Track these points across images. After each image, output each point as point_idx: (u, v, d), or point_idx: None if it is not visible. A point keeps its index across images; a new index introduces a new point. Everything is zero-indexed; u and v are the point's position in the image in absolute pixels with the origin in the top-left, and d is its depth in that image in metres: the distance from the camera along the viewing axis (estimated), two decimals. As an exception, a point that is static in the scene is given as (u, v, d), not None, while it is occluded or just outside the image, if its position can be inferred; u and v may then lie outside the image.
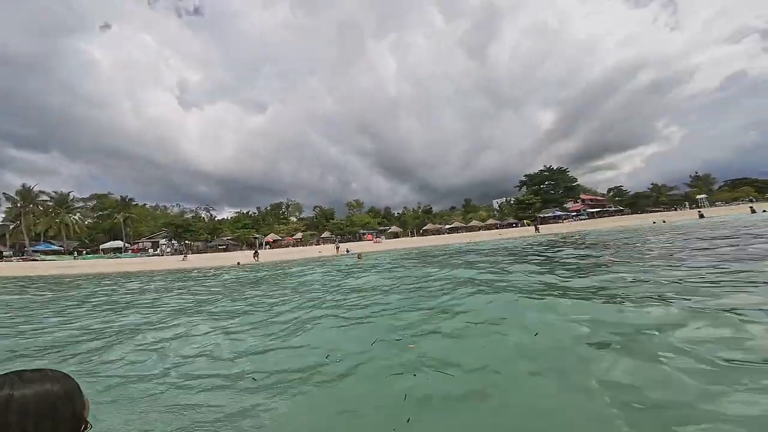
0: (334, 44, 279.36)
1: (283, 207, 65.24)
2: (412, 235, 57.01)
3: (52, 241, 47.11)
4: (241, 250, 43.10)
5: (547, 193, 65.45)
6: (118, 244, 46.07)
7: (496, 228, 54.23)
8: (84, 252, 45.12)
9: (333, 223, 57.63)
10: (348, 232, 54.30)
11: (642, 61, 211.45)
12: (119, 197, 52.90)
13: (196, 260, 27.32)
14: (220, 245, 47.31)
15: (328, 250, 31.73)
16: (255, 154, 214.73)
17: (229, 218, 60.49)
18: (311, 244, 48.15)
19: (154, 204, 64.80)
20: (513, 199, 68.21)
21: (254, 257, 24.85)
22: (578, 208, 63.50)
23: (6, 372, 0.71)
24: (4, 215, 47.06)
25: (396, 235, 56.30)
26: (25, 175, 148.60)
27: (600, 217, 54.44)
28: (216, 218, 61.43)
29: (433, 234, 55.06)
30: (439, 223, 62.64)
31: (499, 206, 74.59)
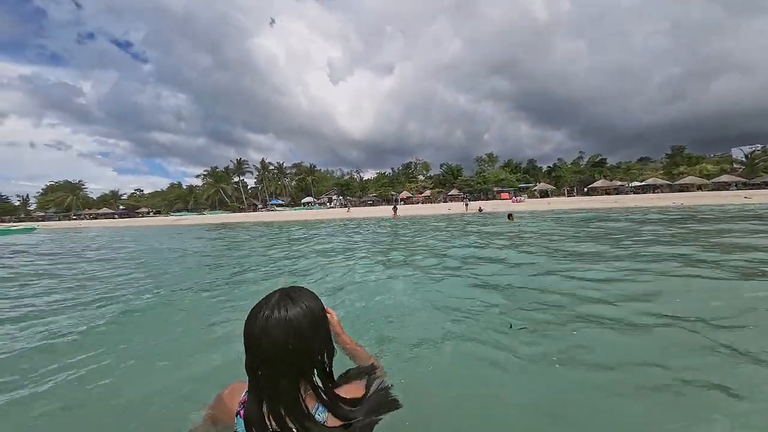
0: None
1: (412, 166, 71.22)
2: (570, 195, 47.38)
3: (278, 197, 73.58)
4: (381, 205, 52.80)
5: None
6: (310, 199, 66.54)
7: (738, 187, 37.50)
8: (293, 205, 68.47)
9: (462, 180, 57.93)
10: (479, 189, 53.06)
11: None
12: (308, 164, 74.43)
13: (356, 212, 36.79)
14: (368, 201, 59.26)
15: (456, 207, 31.88)
16: (388, 117, 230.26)
17: (371, 178, 73.03)
18: (439, 202, 51.68)
19: (325, 168, 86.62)
20: None
21: (394, 212, 26.72)
22: None
23: (275, 291, 0.79)
24: (255, 180, 76.96)
25: (546, 194, 48.66)
26: (258, 151, 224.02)
27: None
28: (363, 178, 75.70)
29: (607, 193, 43.18)
30: (621, 179, 49.09)
31: (746, 156, 49.16)
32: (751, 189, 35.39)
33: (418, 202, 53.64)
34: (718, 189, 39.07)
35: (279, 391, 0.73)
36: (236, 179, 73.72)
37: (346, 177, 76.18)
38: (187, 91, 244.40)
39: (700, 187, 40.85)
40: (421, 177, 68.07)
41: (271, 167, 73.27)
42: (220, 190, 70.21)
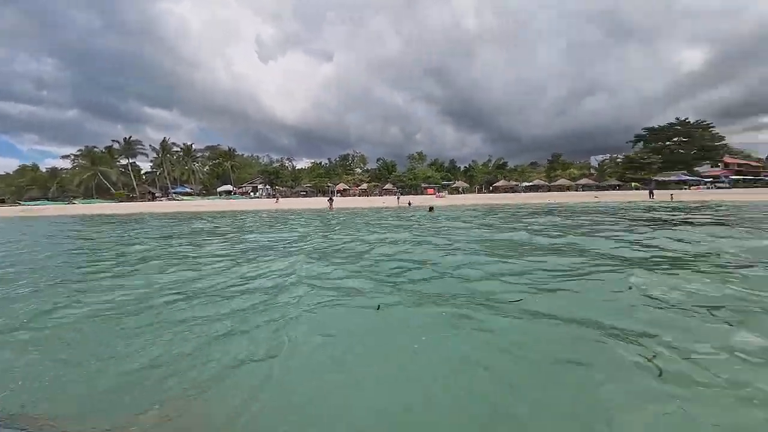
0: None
1: (350, 158, 69.39)
2: (480, 192, 54.52)
3: (185, 184, 61.71)
4: (316, 196, 49.52)
5: (673, 152, 53.16)
6: (228, 187, 57.70)
7: (592, 189, 47.66)
8: (205, 194, 58.35)
9: (395, 175, 59.34)
10: (409, 185, 55.48)
11: None
12: (227, 148, 64.23)
13: (286, 203, 33.06)
14: (301, 191, 54.79)
15: (390, 201, 32.73)
16: (326, 106, 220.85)
17: (306, 168, 68.06)
18: (374, 195, 51.67)
19: (249, 154, 76.69)
20: (621, 157, 57.49)
21: (329, 204, 25.93)
22: (717, 173, 50.09)
23: None
24: (152, 163, 62.81)
25: (461, 191, 54.65)
26: (159, 130, 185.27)
27: (750, 187, 42.40)
28: (296, 167, 69.92)
29: (506, 192, 51.47)
30: (516, 180, 57.28)
31: (599, 164, 62.46)
32: (600, 191, 45.71)
33: (354, 195, 52.43)
34: (580, 190, 49.45)
35: None
36: (125, 162, 58.69)
37: (275, 164, 68.95)
38: (57, 55, 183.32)
39: (568, 188, 50.90)
40: (358, 170, 66.80)
41: (176, 149, 60.76)
42: (99, 175, 54.76)
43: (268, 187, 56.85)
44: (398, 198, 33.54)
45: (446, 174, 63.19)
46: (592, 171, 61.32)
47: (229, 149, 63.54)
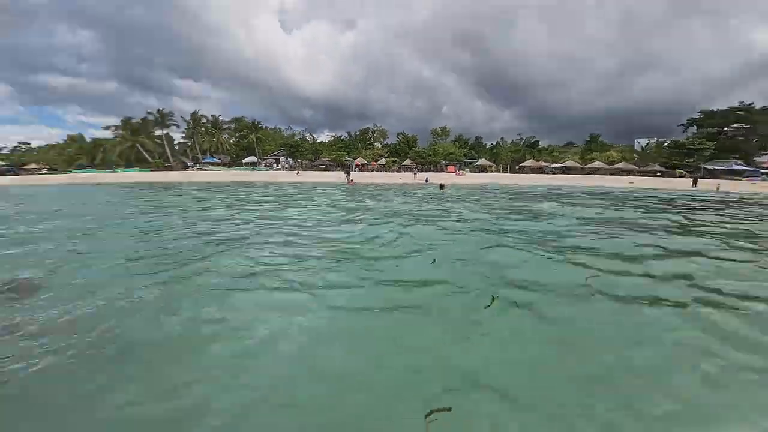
0: None
1: (370, 132, 69.01)
2: (505, 171, 51.78)
3: (213, 155, 64.84)
4: (336, 170, 50.73)
5: (731, 138, 47.59)
6: (253, 159, 60.17)
7: (630, 174, 44.15)
8: (232, 165, 61.33)
9: (415, 151, 58.49)
10: (429, 161, 54.33)
11: None
12: (252, 120, 65.99)
13: (307, 176, 34.54)
14: (321, 165, 56.23)
15: (407, 177, 33.23)
16: (348, 76, 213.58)
17: (326, 141, 68.87)
18: (393, 171, 51.75)
19: (273, 126, 78.28)
20: (668, 141, 51.86)
21: (347, 179, 25.91)
22: (778, 164, 44.13)
23: None
24: (183, 134, 66.02)
25: (484, 170, 52.22)
26: (190, 101, 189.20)
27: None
28: (317, 141, 70.91)
29: (534, 172, 48.23)
30: (545, 161, 53.79)
31: (642, 147, 56.07)
32: (638, 176, 42.93)
33: (373, 170, 52.89)
34: (616, 174, 46.56)
35: None
36: (159, 133, 62.18)
37: (296, 137, 70.35)
38: (92, 27, 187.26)
39: (603, 172, 48.17)
40: (378, 144, 66.60)
41: (204, 120, 63.33)
42: (138, 145, 58.71)
43: (289, 159, 58.76)
44: (415, 174, 33.86)
45: (470, 151, 60.94)
46: (635, 155, 56.46)
47: (254, 122, 65.30)
